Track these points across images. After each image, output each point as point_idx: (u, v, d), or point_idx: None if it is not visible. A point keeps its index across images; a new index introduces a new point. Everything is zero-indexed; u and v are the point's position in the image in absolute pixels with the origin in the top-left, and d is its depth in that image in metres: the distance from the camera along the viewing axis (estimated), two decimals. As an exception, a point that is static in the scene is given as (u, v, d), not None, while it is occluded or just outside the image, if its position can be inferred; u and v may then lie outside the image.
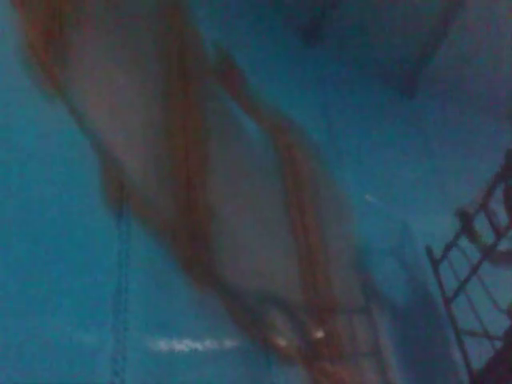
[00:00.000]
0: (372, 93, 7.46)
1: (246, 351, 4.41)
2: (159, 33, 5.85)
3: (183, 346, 4.06)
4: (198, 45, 6.11)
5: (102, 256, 4.09)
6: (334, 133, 6.63)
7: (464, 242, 5.66)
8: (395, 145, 7.13)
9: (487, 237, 5.29)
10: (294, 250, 5.32)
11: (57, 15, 4.83)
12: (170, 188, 4.85)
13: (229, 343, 4.37)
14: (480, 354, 5.11)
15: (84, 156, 4.43)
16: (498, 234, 5.09)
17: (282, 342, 4.61)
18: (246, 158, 5.68)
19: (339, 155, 6.46)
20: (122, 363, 3.68)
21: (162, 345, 4.00)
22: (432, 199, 6.73)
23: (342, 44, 7.40)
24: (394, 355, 5.21)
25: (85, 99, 4.74)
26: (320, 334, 4.90)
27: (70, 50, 4.88)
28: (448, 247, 5.60)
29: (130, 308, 3.95)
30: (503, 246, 5.25)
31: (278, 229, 5.38)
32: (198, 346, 4.14)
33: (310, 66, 7.16)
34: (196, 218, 4.82)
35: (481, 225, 5.34)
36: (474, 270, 5.16)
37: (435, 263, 5.74)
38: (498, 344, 4.97)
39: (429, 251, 5.89)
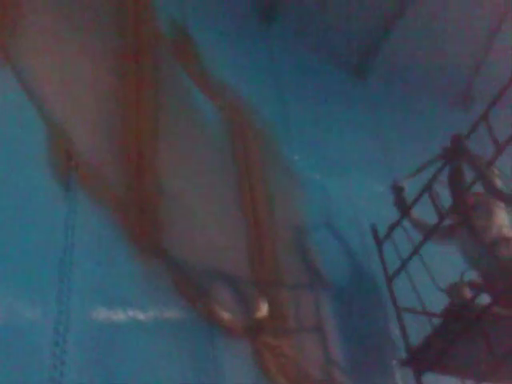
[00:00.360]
0: (325, 74, 7.50)
1: (190, 324, 4.44)
2: (114, 5, 5.79)
3: (126, 317, 4.07)
4: (153, 18, 6.06)
5: (48, 226, 4.07)
6: (286, 112, 6.67)
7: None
8: (346, 125, 7.21)
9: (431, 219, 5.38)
10: (242, 226, 5.38)
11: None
12: (120, 160, 4.84)
13: (173, 315, 4.40)
14: (419, 331, 5.26)
15: (31, 125, 4.39)
16: (441, 216, 5.20)
17: (226, 316, 4.66)
18: (197, 134, 5.69)
19: (290, 134, 6.51)
20: (64, 333, 3.69)
21: (105, 315, 4.00)
22: (381, 180, 6.81)
23: (297, 25, 7.42)
24: (336, 330, 5.31)
25: (34, 69, 4.68)
26: (264, 309, 4.96)
27: (20, 18, 4.80)
28: (392, 227, 5.70)
29: (75, 278, 3.94)
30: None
31: (227, 204, 5.42)
32: (142, 317, 4.15)
33: (265, 45, 7.17)
34: (145, 191, 4.83)
35: (425, 207, 5.43)
36: (416, 249, 5.28)
37: (379, 242, 5.85)
38: (437, 322, 5.13)
39: (374, 230, 5.98)
